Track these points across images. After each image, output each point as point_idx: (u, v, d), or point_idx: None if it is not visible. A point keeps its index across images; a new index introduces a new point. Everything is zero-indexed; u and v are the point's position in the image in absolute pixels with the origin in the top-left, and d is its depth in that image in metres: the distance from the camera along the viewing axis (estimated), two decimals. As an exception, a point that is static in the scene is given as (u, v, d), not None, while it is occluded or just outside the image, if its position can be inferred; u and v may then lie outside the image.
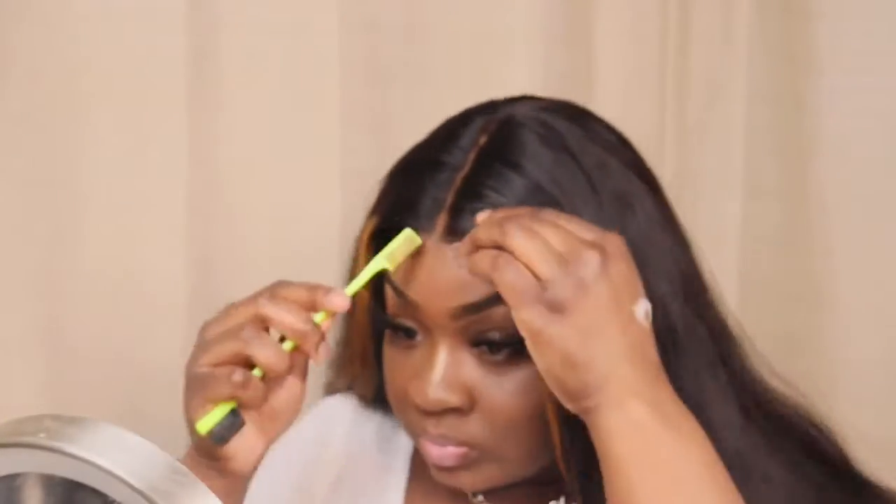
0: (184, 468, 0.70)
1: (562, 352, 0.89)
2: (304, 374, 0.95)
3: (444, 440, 0.99)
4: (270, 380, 0.93)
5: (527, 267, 0.89)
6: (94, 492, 0.69)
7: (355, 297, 0.97)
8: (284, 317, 0.92)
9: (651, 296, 0.95)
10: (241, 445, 0.94)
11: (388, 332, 1.02)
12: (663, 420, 0.89)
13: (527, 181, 0.97)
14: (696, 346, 1.01)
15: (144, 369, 1.25)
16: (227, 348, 0.92)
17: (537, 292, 0.89)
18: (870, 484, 1.07)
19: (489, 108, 1.04)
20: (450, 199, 0.97)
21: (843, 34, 1.31)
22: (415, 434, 1.02)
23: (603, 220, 0.97)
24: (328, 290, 0.93)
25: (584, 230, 0.92)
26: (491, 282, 0.91)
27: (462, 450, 0.99)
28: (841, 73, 1.31)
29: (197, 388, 0.92)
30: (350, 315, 1.06)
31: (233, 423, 0.92)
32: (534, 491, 1.05)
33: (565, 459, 0.98)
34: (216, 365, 0.92)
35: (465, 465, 1.00)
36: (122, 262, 1.23)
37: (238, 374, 0.91)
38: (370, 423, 1.14)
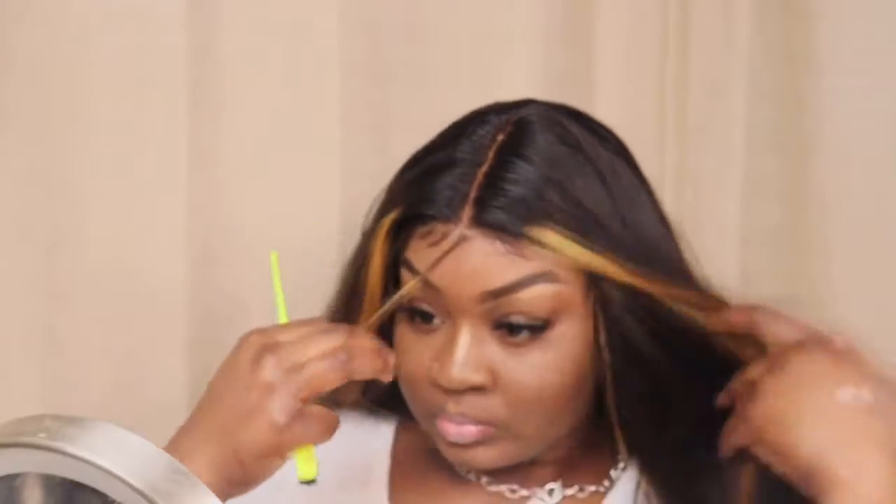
0: (184, 468, 0.70)
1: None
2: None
3: (463, 418, 1.03)
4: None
5: None
6: (94, 492, 0.69)
7: (364, 300, 1.05)
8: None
9: (664, 293, 1.02)
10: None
11: (402, 317, 1.06)
12: None
13: (545, 177, 1.02)
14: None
15: (144, 369, 1.25)
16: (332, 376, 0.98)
17: None
18: None
19: (500, 109, 1.08)
20: (473, 192, 1.02)
21: (843, 34, 1.31)
22: (431, 414, 1.05)
23: (617, 219, 1.03)
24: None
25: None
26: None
27: (480, 427, 1.03)
28: (841, 74, 1.31)
29: (292, 426, 0.97)
30: (354, 318, 1.08)
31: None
32: (530, 472, 1.09)
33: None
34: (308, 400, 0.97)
35: (482, 441, 1.04)
36: (122, 262, 1.23)
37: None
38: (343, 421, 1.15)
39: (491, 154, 1.03)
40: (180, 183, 1.24)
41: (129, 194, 1.24)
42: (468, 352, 1.02)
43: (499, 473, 1.09)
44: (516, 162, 1.02)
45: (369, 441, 1.14)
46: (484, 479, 1.10)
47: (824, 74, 1.31)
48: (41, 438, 0.69)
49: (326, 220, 1.28)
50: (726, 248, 1.37)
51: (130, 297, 1.24)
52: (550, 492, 1.10)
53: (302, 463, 0.98)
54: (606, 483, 1.10)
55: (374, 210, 1.09)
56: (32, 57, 1.20)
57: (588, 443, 1.09)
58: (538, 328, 1.01)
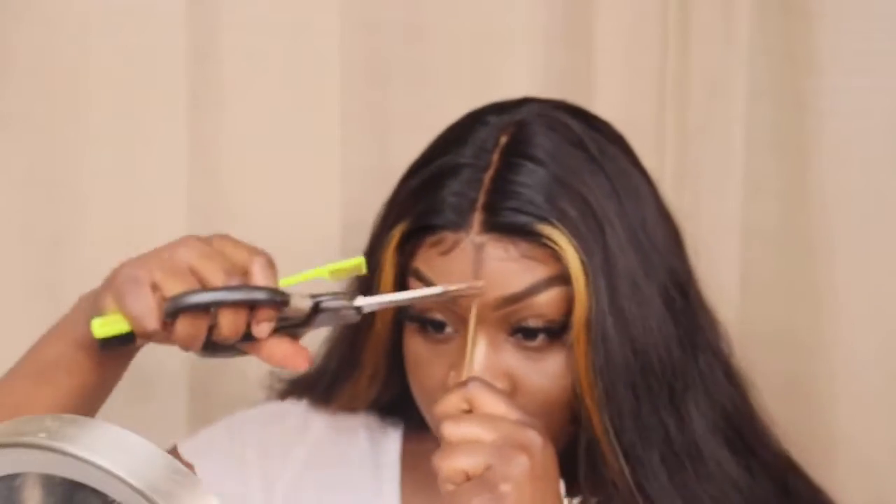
0: (184, 468, 0.70)
1: None
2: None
3: None
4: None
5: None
6: (94, 492, 0.69)
7: (375, 314, 1.02)
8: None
9: (668, 277, 1.02)
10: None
11: (413, 329, 1.04)
12: None
13: (553, 177, 1.01)
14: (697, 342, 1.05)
15: (144, 369, 1.25)
16: (184, 280, 0.92)
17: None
18: None
19: (499, 109, 1.07)
20: (481, 197, 1.01)
21: (843, 34, 1.31)
22: None
23: (623, 209, 1.02)
24: (259, 311, 0.94)
25: (509, 420, 0.94)
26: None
27: None
28: (841, 73, 1.31)
29: (125, 289, 0.92)
30: (364, 330, 1.07)
31: (125, 338, 0.93)
32: None
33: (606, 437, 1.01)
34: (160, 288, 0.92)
35: None
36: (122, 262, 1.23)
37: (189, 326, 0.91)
38: (346, 426, 1.14)
39: (496, 157, 1.02)
40: (180, 183, 1.24)
41: (129, 194, 1.24)
42: (486, 360, 1.00)
43: None
44: (523, 163, 1.01)
45: (377, 449, 1.13)
46: None
47: (824, 74, 1.31)
48: (41, 438, 0.69)
49: (326, 220, 1.28)
50: (726, 248, 1.37)
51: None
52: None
53: (108, 322, 0.93)
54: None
55: (378, 223, 1.08)
56: (33, 57, 1.20)
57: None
58: (555, 332, 1.00)
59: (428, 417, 1.06)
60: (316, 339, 1.18)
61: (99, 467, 0.68)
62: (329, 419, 1.14)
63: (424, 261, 1.02)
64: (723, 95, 1.37)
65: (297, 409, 1.15)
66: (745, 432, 1.07)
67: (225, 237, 0.98)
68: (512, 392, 1.01)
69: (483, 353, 1.00)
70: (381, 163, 1.27)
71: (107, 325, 0.93)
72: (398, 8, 1.30)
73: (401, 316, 1.05)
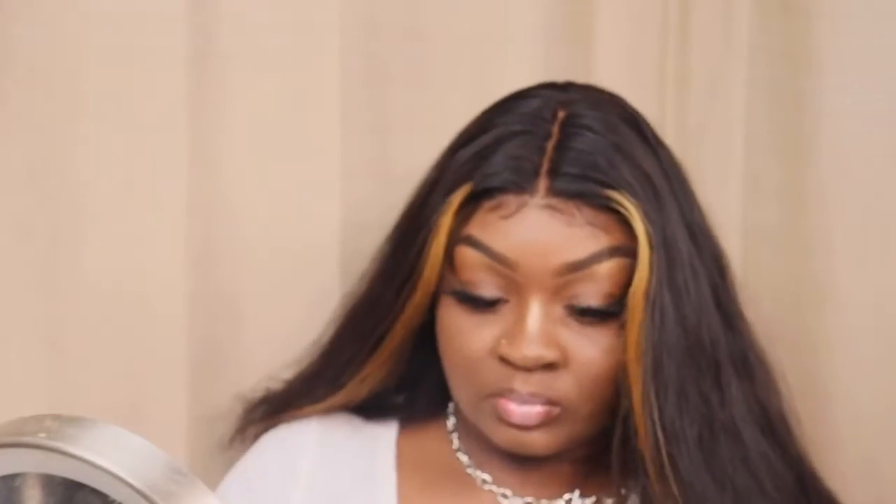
0: (184, 468, 0.70)
1: None
2: None
3: (533, 398, 1.01)
4: None
5: None
6: (94, 492, 0.69)
7: (420, 281, 1.01)
8: None
9: (712, 261, 1.05)
10: None
11: (451, 301, 1.03)
12: None
13: (615, 147, 1.01)
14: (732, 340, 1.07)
15: (144, 369, 1.25)
16: None
17: None
18: None
19: (548, 87, 1.07)
20: (546, 163, 1.00)
21: (843, 34, 1.31)
22: (491, 395, 1.02)
23: (675, 198, 1.03)
24: None
25: None
26: None
27: (547, 408, 1.01)
28: (841, 73, 1.31)
29: None
30: (399, 305, 1.06)
31: None
32: (545, 482, 1.07)
33: (646, 411, 1.00)
34: None
35: (545, 423, 1.02)
36: (122, 262, 1.23)
37: None
38: (338, 437, 1.13)
39: (555, 128, 1.02)
40: (180, 183, 1.24)
41: (129, 194, 1.24)
42: (540, 327, 0.99)
43: (513, 483, 1.07)
44: (584, 133, 1.01)
45: (372, 450, 1.12)
46: (495, 490, 1.08)
47: (824, 74, 1.31)
48: (41, 438, 0.69)
49: (326, 220, 1.28)
50: (726, 248, 1.36)
51: (130, 296, 1.24)
52: (568, 501, 1.07)
53: None
54: (623, 491, 1.06)
55: (422, 191, 1.06)
56: (32, 57, 1.20)
57: (599, 453, 1.06)
58: (610, 314, 1.00)
59: (463, 389, 1.04)
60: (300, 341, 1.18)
61: (99, 467, 0.68)
62: (319, 436, 1.12)
63: (481, 226, 1.00)
64: (723, 95, 1.37)
65: (286, 438, 1.13)
66: (777, 423, 1.07)
67: None
68: (564, 364, 1.00)
69: (538, 320, 0.99)
70: (381, 163, 1.27)
71: None
72: (398, 8, 1.30)
73: (441, 289, 1.03)
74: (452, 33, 1.31)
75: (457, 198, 1.02)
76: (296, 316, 1.25)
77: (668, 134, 1.38)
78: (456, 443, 1.11)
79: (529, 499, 1.08)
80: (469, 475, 1.09)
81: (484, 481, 1.09)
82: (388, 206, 1.15)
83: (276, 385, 1.18)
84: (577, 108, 1.04)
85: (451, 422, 1.11)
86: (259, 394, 1.18)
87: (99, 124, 1.22)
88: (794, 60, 1.33)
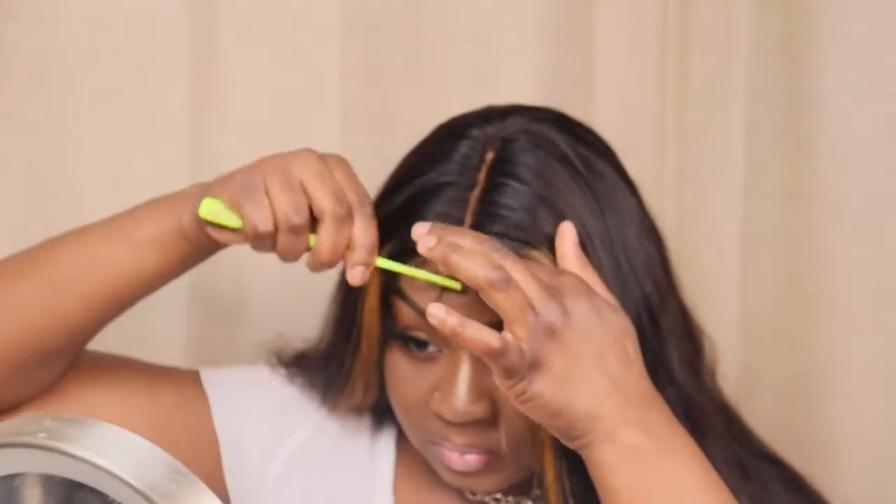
0: (184, 468, 0.70)
1: (544, 406, 0.91)
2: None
3: (468, 449, 1.01)
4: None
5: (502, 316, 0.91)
6: (94, 492, 0.69)
7: (362, 333, 1.02)
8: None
9: (641, 303, 1.00)
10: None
11: (395, 345, 1.03)
12: (655, 444, 0.92)
13: (540, 198, 0.99)
14: (676, 344, 1.05)
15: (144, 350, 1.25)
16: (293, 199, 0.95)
17: (518, 352, 0.90)
18: None
19: (483, 119, 1.05)
20: (468, 218, 0.99)
21: (843, 34, 1.31)
22: (431, 443, 1.03)
23: (607, 231, 1.00)
24: (356, 255, 0.95)
25: (540, 273, 0.93)
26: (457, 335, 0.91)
27: (485, 456, 1.01)
28: (841, 73, 1.31)
29: (242, 194, 0.95)
30: (352, 350, 1.06)
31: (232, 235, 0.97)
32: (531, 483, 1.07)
33: (558, 484, 1.00)
34: (275, 196, 0.95)
35: (486, 469, 1.02)
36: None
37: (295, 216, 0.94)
38: (340, 430, 1.13)
39: (481, 176, 1.00)
40: (180, 182, 1.24)
41: (129, 193, 1.23)
42: (470, 383, 0.99)
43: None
44: (508, 183, 0.99)
45: (371, 454, 1.12)
46: (492, 497, 1.08)
47: (824, 74, 1.31)
48: (41, 438, 0.69)
49: (326, 220, 1.28)
50: (726, 248, 1.37)
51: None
52: None
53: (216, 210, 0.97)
54: None
55: None
56: (32, 56, 1.20)
57: None
58: None
59: (408, 432, 1.05)
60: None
61: (99, 467, 0.68)
62: (321, 421, 1.13)
63: (409, 281, 0.99)
64: (723, 96, 1.37)
65: (307, 395, 1.14)
66: None
67: (341, 162, 0.99)
68: (496, 416, 0.99)
69: (468, 377, 0.99)
70: (380, 163, 1.27)
71: (215, 212, 0.96)
72: (398, 7, 1.30)
73: (385, 334, 1.03)
74: (452, 33, 1.31)
75: (382, 255, 1.00)
76: (296, 316, 1.25)
77: (668, 134, 1.38)
78: None
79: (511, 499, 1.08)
80: None
81: (473, 493, 1.09)
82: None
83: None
84: (505, 152, 1.01)
85: None
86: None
87: (99, 124, 1.22)
88: (794, 60, 1.33)
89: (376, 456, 1.12)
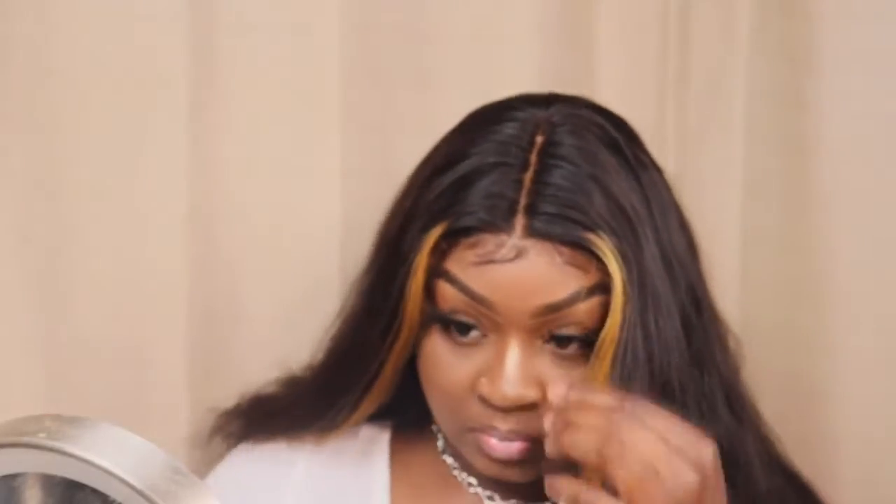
0: (184, 468, 0.70)
1: None
2: None
3: (514, 435, 1.00)
4: None
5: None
6: (94, 492, 0.69)
7: (404, 317, 1.01)
8: None
9: (687, 293, 1.02)
10: None
11: (435, 328, 1.02)
12: None
13: (594, 181, 0.99)
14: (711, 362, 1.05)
15: (144, 369, 1.25)
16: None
17: None
18: None
19: (528, 103, 1.04)
20: (523, 199, 0.98)
21: (843, 34, 1.31)
22: (469, 430, 1.02)
23: (653, 220, 1.01)
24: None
25: (682, 434, 0.92)
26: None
27: (528, 444, 1.00)
28: (841, 74, 1.31)
29: None
30: (391, 334, 1.05)
31: None
32: (532, 484, 1.05)
33: None
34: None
35: (524, 458, 1.01)
36: (122, 262, 1.23)
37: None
38: (329, 450, 1.13)
39: (533, 158, 1.00)
40: (180, 183, 1.24)
41: (129, 195, 1.24)
42: (520, 367, 0.99)
43: (498, 487, 1.07)
44: (562, 165, 0.99)
45: (366, 453, 1.12)
46: (481, 492, 1.08)
47: (824, 74, 1.31)
48: (41, 438, 0.69)
49: (326, 220, 1.28)
50: (726, 248, 1.37)
51: (130, 297, 1.24)
52: None
53: None
54: None
55: (396, 222, 1.06)
56: (32, 57, 1.20)
57: None
58: (590, 341, 0.99)
59: (444, 419, 1.04)
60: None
61: (99, 467, 0.68)
62: (311, 448, 1.12)
63: (458, 263, 0.99)
64: (723, 96, 1.37)
65: (273, 449, 1.13)
66: (739, 462, 1.05)
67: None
68: (543, 400, 0.99)
69: (517, 361, 0.99)
70: (381, 163, 1.27)
71: None
72: (398, 8, 1.30)
73: (426, 317, 1.02)
74: (452, 33, 1.31)
75: (432, 236, 1.00)
76: (296, 315, 1.25)
77: (668, 134, 1.38)
78: (441, 445, 1.11)
79: (513, 501, 1.08)
80: (455, 477, 1.09)
81: (470, 484, 1.09)
82: (389, 206, 1.15)
83: (261, 401, 1.16)
84: (556, 135, 1.01)
85: (436, 426, 1.11)
86: (239, 404, 1.17)
87: (99, 124, 1.22)
88: (794, 60, 1.33)
89: (370, 456, 1.12)
